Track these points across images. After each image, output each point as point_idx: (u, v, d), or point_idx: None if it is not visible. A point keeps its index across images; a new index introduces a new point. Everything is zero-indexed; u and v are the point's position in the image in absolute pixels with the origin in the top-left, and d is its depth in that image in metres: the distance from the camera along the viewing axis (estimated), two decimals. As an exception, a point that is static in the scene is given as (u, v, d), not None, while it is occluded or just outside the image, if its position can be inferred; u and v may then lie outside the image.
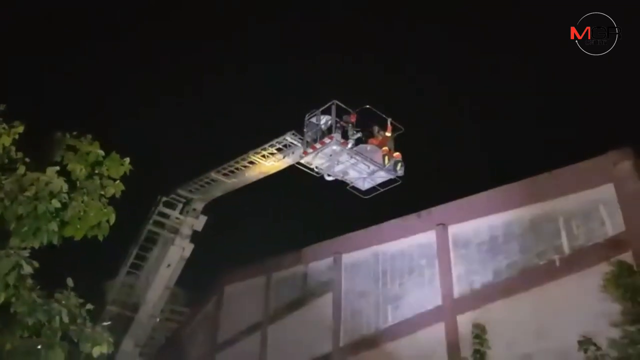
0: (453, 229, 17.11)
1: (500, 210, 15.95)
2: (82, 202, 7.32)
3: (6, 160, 7.39)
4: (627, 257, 12.06)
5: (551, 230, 14.63)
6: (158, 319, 22.14)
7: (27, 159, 7.42)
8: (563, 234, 14.36)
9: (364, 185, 16.76)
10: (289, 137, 16.65)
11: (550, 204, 14.78)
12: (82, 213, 7.30)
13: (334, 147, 15.57)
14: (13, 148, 7.44)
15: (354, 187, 16.76)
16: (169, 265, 20.34)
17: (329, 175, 16.51)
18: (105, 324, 16.95)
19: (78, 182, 7.49)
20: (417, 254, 18.05)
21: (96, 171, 7.61)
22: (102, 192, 7.53)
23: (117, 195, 7.66)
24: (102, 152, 7.62)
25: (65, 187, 7.16)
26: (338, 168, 16.27)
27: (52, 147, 7.67)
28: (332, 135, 15.37)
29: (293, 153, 16.84)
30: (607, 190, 13.52)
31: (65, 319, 7.18)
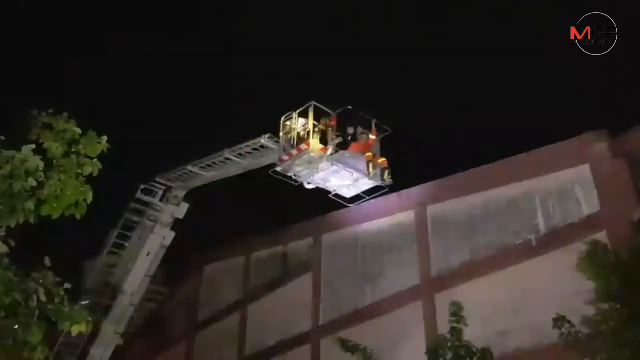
0: (432, 209, 17.24)
1: (478, 191, 16.11)
2: (59, 180, 7.23)
3: (-20, 139, 7.25)
4: (602, 236, 12.24)
5: (528, 210, 14.83)
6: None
7: (2, 137, 7.29)
8: (539, 213, 14.56)
9: (349, 193, 15.65)
10: (263, 141, 15.57)
11: (528, 184, 14.95)
12: (59, 192, 7.21)
13: (312, 155, 14.35)
14: (-13, 126, 7.31)
15: (337, 195, 15.68)
16: (148, 254, 19.74)
17: (309, 183, 15.27)
18: (84, 302, 16.83)
19: (54, 161, 7.39)
20: (396, 234, 18.18)
21: (73, 149, 7.50)
22: (79, 171, 7.43)
23: (95, 174, 7.57)
24: (79, 130, 7.50)
25: (42, 165, 7.06)
26: (319, 176, 14.98)
27: (27, 125, 7.55)
28: (309, 141, 14.21)
29: (272, 154, 15.81)
30: (583, 171, 13.71)
31: (43, 298, 7.11)
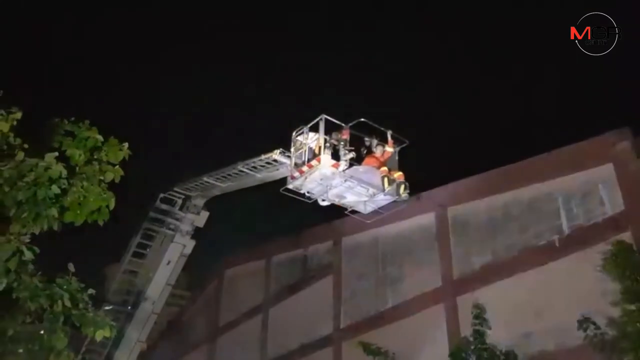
0: (452, 211, 17.14)
1: (499, 192, 15.97)
2: (82, 187, 7.30)
3: (5, 147, 7.34)
4: (626, 236, 12.09)
5: (550, 210, 14.67)
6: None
7: (25, 145, 7.38)
8: (562, 214, 14.39)
9: (366, 209, 14.82)
10: (275, 156, 14.84)
11: (550, 184, 14.80)
12: (81, 198, 7.28)
13: (323, 171, 13.54)
14: (11, 134, 7.40)
15: (354, 211, 14.89)
16: (169, 263, 19.53)
17: (323, 200, 14.43)
18: (107, 308, 16.94)
19: (77, 168, 7.47)
20: (416, 236, 18.09)
21: (95, 156, 7.58)
22: (102, 177, 7.51)
23: (117, 181, 7.64)
24: (100, 138, 7.58)
25: (65, 172, 7.13)
26: (332, 192, 14.17)
27: (50, 133, 7.63)
28: (320, 156, 13.45)
29: (286, 167, 14.91)
30: (606, 170, 13.53)
31: (67, 304, 7.19)
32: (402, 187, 13.98)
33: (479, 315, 14.18)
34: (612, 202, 13.38)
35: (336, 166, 13.44)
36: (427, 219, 17.72)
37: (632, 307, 10.45)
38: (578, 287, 12.86)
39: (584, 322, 11.49)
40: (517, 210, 15.50)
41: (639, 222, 12.29)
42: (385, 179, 13.88)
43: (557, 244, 14.12)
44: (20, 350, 7.73)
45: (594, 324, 11.37)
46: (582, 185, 14.14)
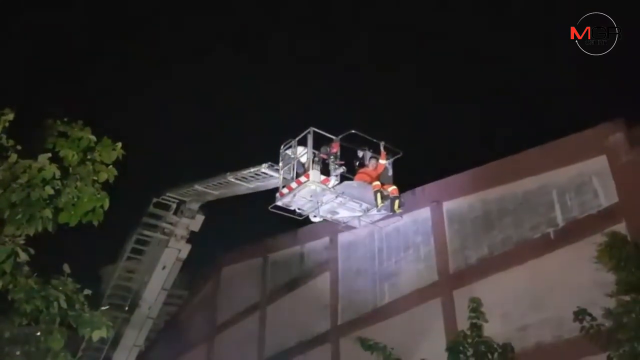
0: (447, 205, 17.17)
1: (493, 186, 16.01)
2: (76, 188, 7.30)
3: (-3, 148, 7.34)
4: (621, 227, 12.10)
5: (545, 203, 14.71)
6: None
7: (18, 147, 7.37)
8: (557, 206, 14.43)
9: (360, 224, 14.57)
10: (264, 170, 14.50)
11: (544, 177, 14.83)
12: (75, 199, 7.28)
13: (313, 187, 12.94)
14: (4, 136, 7.39)
15: (348, 226, 14.56)
16: (164, 267, 19.57)
17: (314, 216, 13.96)
18: (104, 308, 16.92)
19: (70, 168, 7.47)
20: (412, 231, 18.11)
21: (88, 157, 7.57)
22: (95, 178, 7.50)
23: (110, 181, 7.64)
24: (93, 138, 7.57)
25: (58, 173, 7.14)
26: (324, 208, 13.61)
27: (43, 134, 7.62)
28: (308, 172, 12.88)
29: (276, 179, 14.52)
30: (600, 162, 13.57)
31: (63, 305, 7.20)
32: (396, 202, 13.65)
33: (476, 308, 14.18)
34: (606, 194, 13.42)
35: (326, 182, 12.97)
36: (422, 213, 17.74)
37: (627, 298, 10.47)
38: (574, 279, 12.90)
39: (580, 314, 11.52)
40: (512, 203, 15.54)
41: (633, 213, 12.32)
42: (378, 195, 13.40)
43: (552, 237, 14.17)
44: (18, 353, 7.74)
45: (590, 315, 11.39)
46: (576, 178, 14.18)
